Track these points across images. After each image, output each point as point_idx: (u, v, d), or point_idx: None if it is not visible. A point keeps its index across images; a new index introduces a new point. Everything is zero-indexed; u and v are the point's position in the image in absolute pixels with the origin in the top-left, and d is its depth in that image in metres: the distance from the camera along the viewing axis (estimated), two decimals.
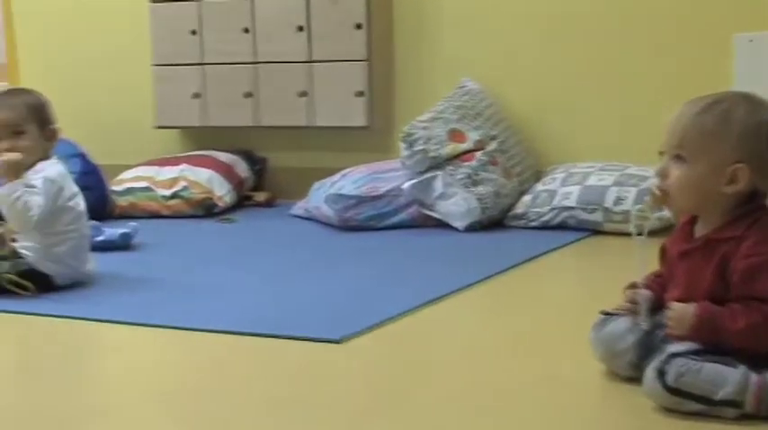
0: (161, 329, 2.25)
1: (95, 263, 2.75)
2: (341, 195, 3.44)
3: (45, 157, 2.64)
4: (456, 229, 3.35)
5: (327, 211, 3.46)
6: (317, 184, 3.66)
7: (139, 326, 2.28)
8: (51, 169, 2.62)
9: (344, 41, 3.85)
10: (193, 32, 4.04)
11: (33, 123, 2.61)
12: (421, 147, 3.40)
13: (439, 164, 3.41)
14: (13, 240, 2.60)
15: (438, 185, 3.39)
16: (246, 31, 3.96)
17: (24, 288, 2.54)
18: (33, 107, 2.63)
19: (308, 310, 2.39)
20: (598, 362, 1.80)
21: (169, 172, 3.86)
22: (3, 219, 2.60)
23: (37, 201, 2.53)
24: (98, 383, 1.97)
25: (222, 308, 2.42)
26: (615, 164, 3.40)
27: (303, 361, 2.01)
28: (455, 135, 3.46)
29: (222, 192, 3.84)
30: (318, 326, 2.20)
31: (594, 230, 3.25)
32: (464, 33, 3.86)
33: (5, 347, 2.25)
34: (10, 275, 2.55)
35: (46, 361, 2.10)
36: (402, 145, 3.44)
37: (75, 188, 2.68)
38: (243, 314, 2.35)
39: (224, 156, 4.00)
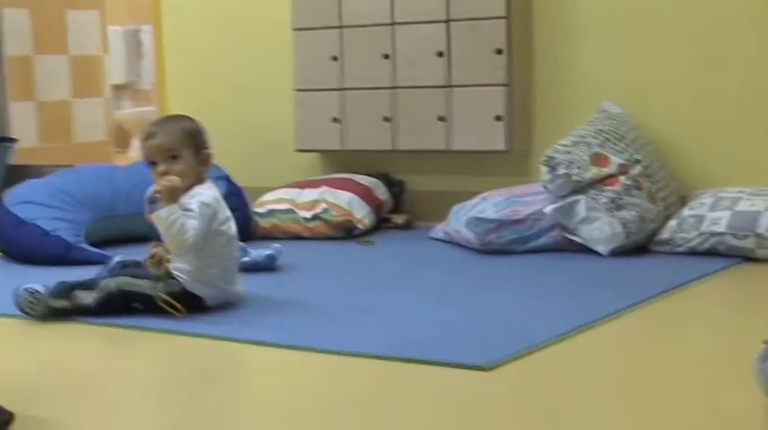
0: (310, 352, 2.28)
1: (243, 284, 2.81)
2: (481, 219, 3.43)
3: (199, 181, 2.72)
4: (599, 254, 3.30)
5: (468, 235, 3.45)
6: (456, 208, 3.66)
7: (289, 349, 2.31)
8: (207, 193, 2.69)
9: (484, 66, 3.86)
10: (334, 58, 4.11)
11: (189, 148, 2.69)
12: (563, 171, 3.36)
13: (582, 188, 3.37)
14: (168, 261, 2.67)
15: (581, 209, 3.34)
16: (386, 57, 4.01)
17: (175, 308, 2.62)
18: (189, 132, 2.71)
19: (453, 335, 2.38)
20: (763, 395, 1.74)
21: (310, 194, 3.92)
22: (159, 241, 2.68)
23: (192, 225, 2.60)
24: (247, 405, 2.00)
25: (368, 331, 2.44)
26: (767, 189, 3.29)
27: (450, 387, 2.00)
28: (598, 159, 3.41)
29: (362, 214, 3.88)
30: (465, 352, 2.19)
31: (745, 257, 3.15)
32: (605, 56, 3.82)
33: (156, 365, 2.31)
34: (162, 295, 2.62)
35: (195, 380, 2.14)
36: (544, 168, 3.41)
37: (228, 212, 2.74)
38: (388, 338, 2.35)
39: (363, 179, 4.05)
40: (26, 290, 2.64)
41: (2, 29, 5.11)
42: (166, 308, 2.61)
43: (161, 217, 2.60)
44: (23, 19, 5.60)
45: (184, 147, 2.68)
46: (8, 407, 1.74)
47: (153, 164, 2.70)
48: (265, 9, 4.43)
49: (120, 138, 7.32)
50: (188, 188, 2.68)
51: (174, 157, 2.67)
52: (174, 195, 2.62)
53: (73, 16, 5.93)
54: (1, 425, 1.72)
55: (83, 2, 5.99)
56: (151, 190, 2.66)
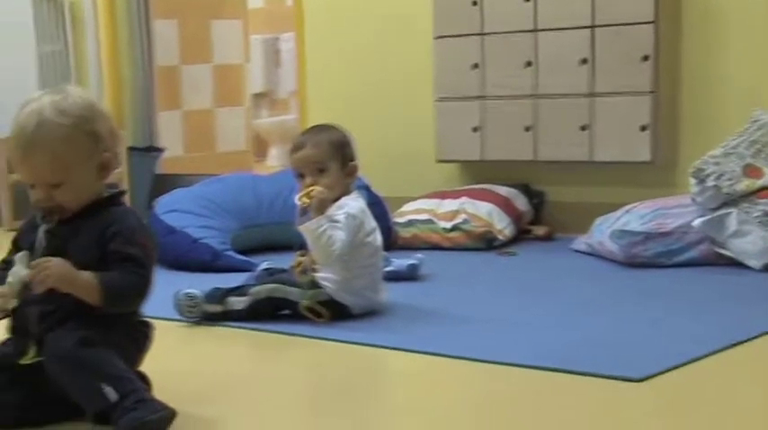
0: (456, 360, 2.28)
1: (387, 293, 2.84)
2: (626, 231, 3.36)
3: (346, 192, 2.75)
4: (750, 269, 3.19)
5: (612, 247, 3.39)
6: (599, 220, 3.60)
7: (434, 356, 2.32)
8: (353, 204, 2.72)
9: (629, 74, 3.78)
10: (475, 66, 4.09)
11: (335, 161, 2.72)
12: (713, 184, 3.27)
13: (733, 200, 3.26)
14: (315, 271, 2.71)
15: (732, 223, 3.24)
16: (529, 64, 3.97)
17: (319, 315, 2.65)
18: (336, 145, 2.74)
19: (600, 346, 2.34)
20: None
21: (450, 204, 3.92)
22: (305, 249, 2.73)
23: (340, 236, 2.64)
24: (393, 411, 2.01)
25: (514, 340, 2.42)
26: None
27: (602, 399, 1.97)
28: (751, 171, 3.30)
29: (502, 225, 3.86)
30: (614, 363, 2.16)
31: None
32: (756, 63, 3.69)
33: (305, 370, 2.35)
34: (306, 303, 2.66)
35: (343, 386, 2.17)
36: (692, 180, 3.32)
37: (374, 223, 2.76)
38: (535, 348, 2.33)
39: (503, 190, 4.02)
40: (185, 294, 2.73)
41: (153, 40, 5.28)
42: (309, 315, 2.65)
43: (310, 228, 2.64)
44: (172, 30, 5.79)
45: (331, 159, 2.71)
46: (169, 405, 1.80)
47: (301, 176, 2.74)
48: (407, 17, 4.45)
49: (259, 146, 7.48)
50: (335, 199, 2.72)
51: (321, 170, 2.71)
52: (322, 207, 2.66)
53: (217, 26, 6.10)
54: (164, 421, 1.78)
55: (227, 12, 6.16)
56: (298, 200, 2.70)
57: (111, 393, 1.74)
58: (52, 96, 1.85)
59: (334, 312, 2.68)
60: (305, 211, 2.67)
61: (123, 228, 1.84)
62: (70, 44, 5.18)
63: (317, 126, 2.85)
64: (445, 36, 4.18)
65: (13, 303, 1.81)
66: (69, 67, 5.20)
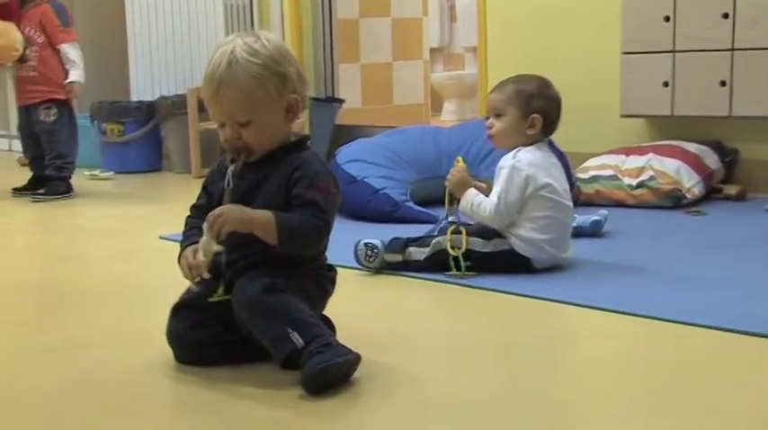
0: (643, 319, 2.20)
1: (572, 249, 2.77)
2: None
3: (525, 143, 2.72)
4: None
5: None
6: None
7: (621, 315, 2.25)
8: (523, 157, 2.69)
9: None
10: (666, 19, 3.91)
11: (516, 108, 2.70)
12: None
13: None
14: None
15: None
16: (725, 16, 3.77)
17: (458, 268, 2.63)
18: (522, 93, 2.71)
19: None
20: None
21: (635, 161, 3.79)
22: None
23: (488, 203, 2.66)
24: (578, 368, 1.95)
25: (704, 302, 2.32)
26: None
27: None
28: None
29: (690, 183, 3.70)
30: None
31: None
32: None
33: (486, 322, 2.31)
34: (453, 251, 2.64)
35: (525, 340, 2.12)
36: None
37: (548, 179, 2.69)
38: (725, 310, 2.23)
39: (692, 147, 3.86)
40: (365, 244, 2.75)
41: None
42: (451, 263, 2.63)
43: (464, 210, 2.70)
44: None
45: (511, 105, 2.71)
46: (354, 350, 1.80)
47: (486, 117, 2.78)
48: None
49: (434, 101, 7.46)
50: (512, 148, 2.70)
51: (498, 115, 2.73)
52: (462, 185, 2.70)
53: None
54: (349, 365, 1.79)
55: None
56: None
57: (298, 338, 1.76)
58: (245, 38, 1.87)
59: (516, 266, 2.64)
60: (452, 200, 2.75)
61: (307, 172, 1.84)
62: None
63: (521, 75, 2.81)
64: None
65: (206, 274, 1.84)
66: (253, 19, 5.30)
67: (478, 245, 2.67)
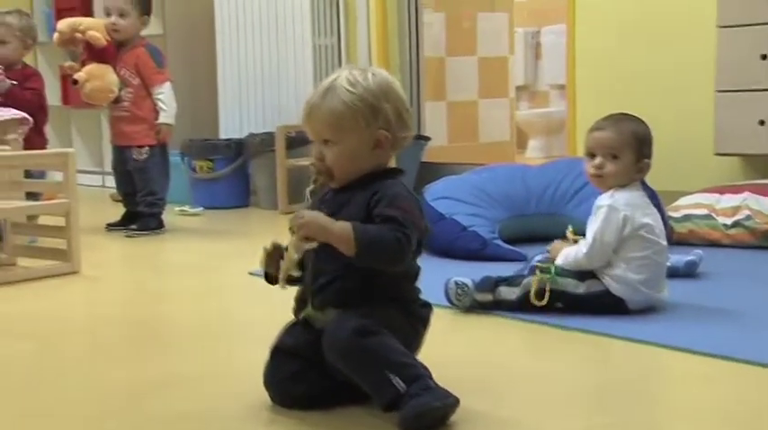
0: (740, 363, 2.14)
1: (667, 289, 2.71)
2: None
3: (629, 184, 2.68)
4: None
5: None
6: None
7: (718, 359, 2.18)
8: (619, 197, 2.65)
9: None
10: (763, 57, 3.83)
11: (631, 152, 2.66)
12: None
13: None
14: None
15: None
16: None
17: (541, 300, 2.62)
18: (638, 136, 2.67)
19: None
20: None
21: (730, 200, 3.71)
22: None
23: (584, 243, 2.63)
24: (674, 413, 1.90)
25: None
26: None
27: None
28: None
29: None
30: None
31: None
32: None
33: (581, 365, 2.27)
34: (534, 289, 2.62)
35: (620, 383, 2.08)
36: None
37: (646, 218, 2.65)
38: None
39: None
40: (455, 282, 2.73)
41: (421, 32, 5.35)
42: (534, 299, 2.62)
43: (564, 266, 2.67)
44: (440, 22, 5.86)
45: (627, 148, 2.66)
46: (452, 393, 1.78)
47: (591, 155, 2.70)
48: (686, 5, 4.25)
49: (519, 138, 7.43)
50: (616, 188, 2.66)
51: (614, 156, 2.66)
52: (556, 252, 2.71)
53: (484, 19, 6.10)
54: (449, 409, 1.77)
55: (494, 4, 6.15)
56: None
57: (399, 382, 1.74)
58: (353, 70, 1.90)
59: (610, 307, 2.60)
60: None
61: (387, 193, 1.84)
62: (343, 37, 5.33)
63: (623, 114, 2.76)
64: (732, 25, 3.93)
65: (295, 273, 1.86)
66: (341, 59, 5.36)
67: (571, 286, 2.63)
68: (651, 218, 2.67)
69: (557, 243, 2.74)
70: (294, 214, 1.84)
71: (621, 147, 2.64)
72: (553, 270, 2.64)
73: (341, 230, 1.78)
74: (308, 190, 1.94)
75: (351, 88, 1.86)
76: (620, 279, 2.62)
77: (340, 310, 1.83)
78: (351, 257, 1.78)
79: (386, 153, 1.91)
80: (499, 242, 3.56)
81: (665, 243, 2.68)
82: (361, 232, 1.77)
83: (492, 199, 3.75)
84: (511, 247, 3.52)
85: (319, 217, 1.82)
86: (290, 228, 1.83)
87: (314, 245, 1.81)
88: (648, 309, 2.64)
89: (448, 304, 2.72)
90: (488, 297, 2.71)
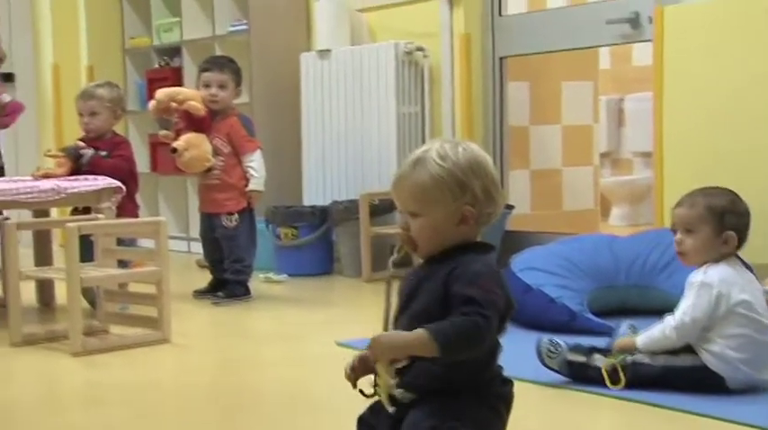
0: None
1: None
2: None
3: (717, 259, 2.64)
4: None
5: None
6: None
7: None
8: (712, 273, 2.60)
9: None
10: None
11: (708, 225, 2.63)
12: None
13: None
14: None
15: None
16: None
17: (613, 381, 2.58)
18: (714, 210, 2.63)
19: None
20: None
21: None
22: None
23: (672, 318, 2.60)
24: None
25: None
26: None
27: None
28: None
29: None
30: None
31: None
32: None
33: None
34: (607, 364, 2.61)
35: None
36: None
37: (744, 295, 2.60)
38: None
39: None
40: (549, 340, 2.73)
41: (506, 102, 5.37)
42: (606, 378, 2.59)
43: (646, 350, 2.64)
44: (524, 91, 5.87)
45: (701, 222, 2.62)
46: None
47: (674, 232, 2.69)
48: None
49: (602, 206, 7.36)
50: (702, 264, 2.63)
51: (689, 231, 2.64)
52: (627, 347, 2.68)
53: (568, 88, 6.10)
54: None
55: (578, 73, 6.14)
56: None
57: None
58: (444, 143, 1.89)
59: (710, 385, 2.53)
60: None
61: (467, 270, 1.80)
62: (427, 105, 5.37)
63: (706, 188, 2.73)
64: None
65: (397, 393, 1.81)
66: (425, 127, 5.39)
67: (663, 360, 2.57)
68: (750, 294, 2.61)
69: (620, 339, 2.70)
70: (369, 342, 1.81)
71: (696, 222, 2.63)
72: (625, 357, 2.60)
73: (417, 340, 1.74)
74: (391, 259, 1.92)
75: (440, 161, 1.85)
76: (719, 356, 2.55)
77: (416, 408, 1.79)
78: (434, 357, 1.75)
79: (471, 228, 1.89)
80: (588, 314, 3.51)
81: (767, 321, 2.61)
82: (437, 333, 1.73)
83: (579, 270, 3.71)
84: (601, 320, 3.46)
85: (391, 337, 1.78)
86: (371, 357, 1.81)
87: (403, 362, 1.79)
88: (749, 389, 2.56)
89: (534, 379, 2.68)
90: (581, 358, 2.68)
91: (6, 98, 4.88)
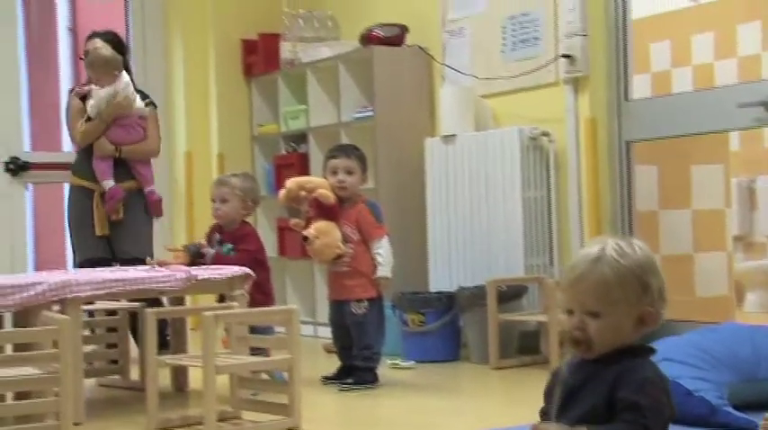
0: None
1: None
2: None
3: None
4: None
5: None
6: None
7: None
8: None
9: None
10: None
11: None
12: None
13: None
14: None
15: None
16: None
17: None
18: None
19: None
20: None
21: None
22: None
23: None
24: None
25: None
26: None
27: None
28: None
29: None
30: None
31: None
32: None
33: None
34: None
35: None
36: None
37: None
38: None
39: None
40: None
41: (633, 186, 5.29)
42: None
43: None
44: (652, 175, 5.78)
45: None
46: None
47: None
48: None
49: (735, 291, 7.13)
50: None
51: None
52: None
53: (698, 171, 5.98)
54: None
55: (708, 156, 6.03)
56: None
57: None
58: (617, 240, 1.89)
59: None
60: None
61: (637, 376, 1.78)
62: (553, 189, 5.34)
63: None
64: None
65: None
66: (551, 212, 5.35)
67: None
68: None
69: None
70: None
71: None
72: None
73: None
74: (564, 362, 1.90)
75: (621, 259, 1.85)
76: None
77: None
78: None
79: (648, 330, 1.87)
80: (729, 409, 3.37)
81: None
82: None
83: (718, 361, 3.58)
84: (743, 415, 3.33)
85: None
86: None
87: None
88: None
89: None
90: None
91: (109, 184, 5.01)
